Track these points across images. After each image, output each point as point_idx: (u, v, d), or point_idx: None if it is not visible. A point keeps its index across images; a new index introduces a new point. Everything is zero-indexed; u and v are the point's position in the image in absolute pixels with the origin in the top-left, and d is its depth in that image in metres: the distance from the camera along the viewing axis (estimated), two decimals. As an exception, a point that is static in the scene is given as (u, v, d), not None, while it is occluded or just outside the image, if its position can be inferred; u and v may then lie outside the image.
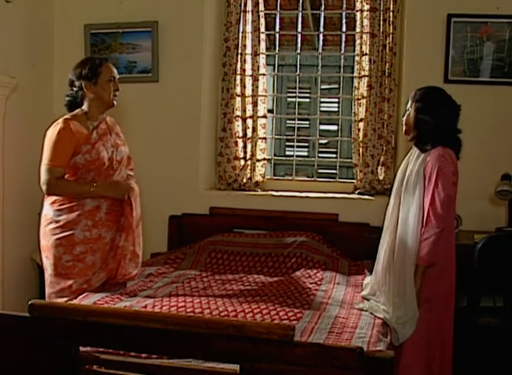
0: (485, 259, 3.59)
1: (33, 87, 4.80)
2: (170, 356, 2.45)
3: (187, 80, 4.88)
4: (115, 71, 3.56)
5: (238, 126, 4.94)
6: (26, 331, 2.41)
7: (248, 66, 4.93)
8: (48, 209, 3.46)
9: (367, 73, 4.72)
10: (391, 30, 4.65)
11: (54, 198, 3.44)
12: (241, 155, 4.97)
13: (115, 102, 3.56)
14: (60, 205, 3.42)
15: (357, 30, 4.78)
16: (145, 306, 3.10)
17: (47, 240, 3.43)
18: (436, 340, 3.24)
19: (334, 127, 8.13)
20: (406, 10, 4.61)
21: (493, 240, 3.71)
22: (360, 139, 4.77)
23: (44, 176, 3.38)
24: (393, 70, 4.68)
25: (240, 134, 4.95)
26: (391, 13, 4.65)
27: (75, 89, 3.51)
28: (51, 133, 3.41)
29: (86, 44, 4.95)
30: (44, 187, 3.40)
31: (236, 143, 4.94)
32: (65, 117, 3.46)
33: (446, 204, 3.12)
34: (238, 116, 4.93)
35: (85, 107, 3.51)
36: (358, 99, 4.79)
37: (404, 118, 3.38)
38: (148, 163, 4.93)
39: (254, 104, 4.93)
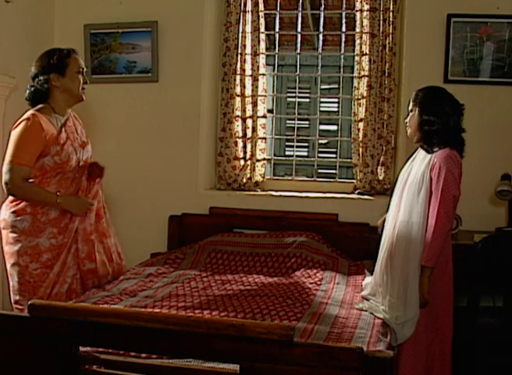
0: (485, 259, 3.59)
1: (33, 87, 4.80)
2: (170, 356, 2.45)
3: (187, 80, 4.88)
4: (82, 63, 3.41)
5: (238, 126, 4.94)
6: (26, 331, 2.41)
7: (248, 66, 4.93)
8: (10, 216, 3.24)
9: (367, 73, 4.72)
10: (391, 30, 4.65)
11: (16, 202, 3.24)
12: (241, 155, 4.97)
13: (83, 96, 3.39)
14: (23, 212, 3.23)
15: (357, 30, 4.78)
16: (145, 306, 3.10)
17: (10, 247, 3.25)
18: (435, 340, 3.25)
19: (334, 127, 8.15)
20: (406, 10, 4.61)
21: (493, 240, 3.70)
22: (360, 139, 4.77)
23: (7, 175, 3.12)
24: (393, 70, 4.68)
25: (240, 134, 4.95)
26: (391, 13, 4.65)
27: (40, 82, 3.27)
28: (19, 129, 3.16)
29: (86, 44, 4.95)
30: (6, 187, 3.15)
31: (235, 143, 4.94)
32: (33, 112, 3.22)
33: (453, 205, 3.14)
34: (238, 116, 4.93)
35: (51, 101, 3.31)
36: (358, 99, 4.79)
37: (408, 119, 3.38)
38: (148, 163, 4.94)
39: (254, 104, 4.93)
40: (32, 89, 3.31)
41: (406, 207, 3.25)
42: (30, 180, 3.22)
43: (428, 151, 3.26)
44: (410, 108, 3.37)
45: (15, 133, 3.18)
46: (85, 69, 3.43)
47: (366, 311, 3.24)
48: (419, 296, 3.16)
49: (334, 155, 6.24)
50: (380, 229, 3.64)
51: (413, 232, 3.19)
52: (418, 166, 3.28)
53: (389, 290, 3.25)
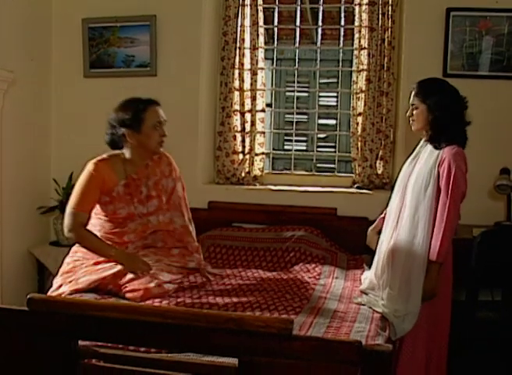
0: (484, 253, 3.59)
1: (31, 81, 4.80)
2: (169, 350, 2.45)
3: (186, 74, 4.87)
4: (161, 114, 3.36)
5: (236, 120, 4.93)
6: (24, 325, 2.40)
7: (247, 60, 4.91)
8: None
9: (365, 67, 4.71)
10: (390, 24, 4.64)
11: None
12: (240, 149, 4.97)
13: (161, 150, 3.39)
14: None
15: (356, 24, 4.77)
16: (144, 303, 3.09)
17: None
18: (435, 334, 3.25)
19: (333, 121, 8.14)
20: (404, 4, 4.60)
21: (492, 234, 3.71)
22: (359, 133, 4.76)
23: (67, 220, 3.26)
24: (392, 64, 4.67)
25: (239, 128, 4.94)
26: (390, 7, 4.63)
27: (116, 133, 3.34)
28: (83, 176, 3.29)
29: (84, 38, 4.94)
30: (65, 231, 3.29)
31: (234, 137, 4.94)
32: (98, 159, 3.32)
33: (461, 201, 3.16)
34: (236, 110, 4.92)
35: (126, 153, 3.36)
36: (357, 93, 4.78)
37: (413, 113, 3.32)
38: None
39: (253, 98, 4.93)
40: (109, 137, 3.39)
41: (412, 202, 3.23)
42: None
43: (436, 147, 3.25)
44: (413, 102, 3.31)
45: (78, 180, 3.30)
46: (163, 120, 3.36)
47: (364, 305, 3.24)
48: (427, 291, 3.17)
49: (333, 150, 6.23)
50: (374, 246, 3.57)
51: (419, 227, 3.19)
52: (425, 162, 3.26)
53: (389, 282, 3.25)
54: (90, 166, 3.29)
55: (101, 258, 3.25)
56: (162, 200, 3.47)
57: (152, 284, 3.11)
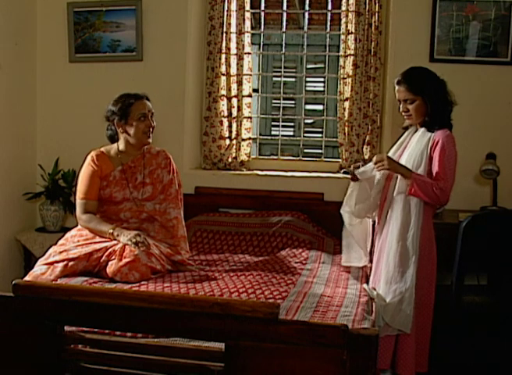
0: (470, 238, 3.61)
1: (15, 65, 4.75)
2: (155, 335, 2.45)
3: (172, 58, 4.84)
4: (148, 107, 3.56)
5: (223, 105, 4.91)
6: (10, 311, 2.40)
7: (233, 45, 4.88)
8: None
9: (352, 52, 4.69)
10: (377, 9, 4.62)
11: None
12: (226, 134, 4.95)
13: (149, 140, 3.58)
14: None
15: (343, 8, 4.75)
16: (130, 287, 3.09)
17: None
18: (419, 317, 3.28)
19: (320, 107, 8.13)
20: (392, -12, 4.59)
21: (478, 218, 3.72)
22: (346, 118, 4.76)
23: (76, 209, 3.56)
24: (379, 49, 4.66)
25: (225, 113, 4.92)
26: (377, -9, 4.62)
27: (109, 126, 3.63)
28: (83, 168, 3.57)
29: (69, 22, 4.88)
30: (78, 220, 3.55)
31: (221, 122, 4.92)
32: (96, 151, 3.60)
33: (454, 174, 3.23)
34: (223, 95, 4.90)
35: (120, 145, 3.62)
36: (344, 78, 4.77)
37: (411, 107, 3.30)
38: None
39: (239, 83, 4.91)
40: (108, 132, 3.68)
41: (402, 184, 3.24)
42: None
43: (429, 130, 3.27)
44: (407, 97, 3.29)
45: (80, 172, 3.61)
46: (150, 112, 3.56)
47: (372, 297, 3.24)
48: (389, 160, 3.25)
49: (320, 135, 6.22)
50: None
51: (411, 204, 3.23)
52: (416, 144, 3.29)
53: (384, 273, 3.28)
54: (88, 158, 3.57)
55: (96, 236, 3.44)
56: (157, 188, 3.64)
57: (141, 255, 3.25)
